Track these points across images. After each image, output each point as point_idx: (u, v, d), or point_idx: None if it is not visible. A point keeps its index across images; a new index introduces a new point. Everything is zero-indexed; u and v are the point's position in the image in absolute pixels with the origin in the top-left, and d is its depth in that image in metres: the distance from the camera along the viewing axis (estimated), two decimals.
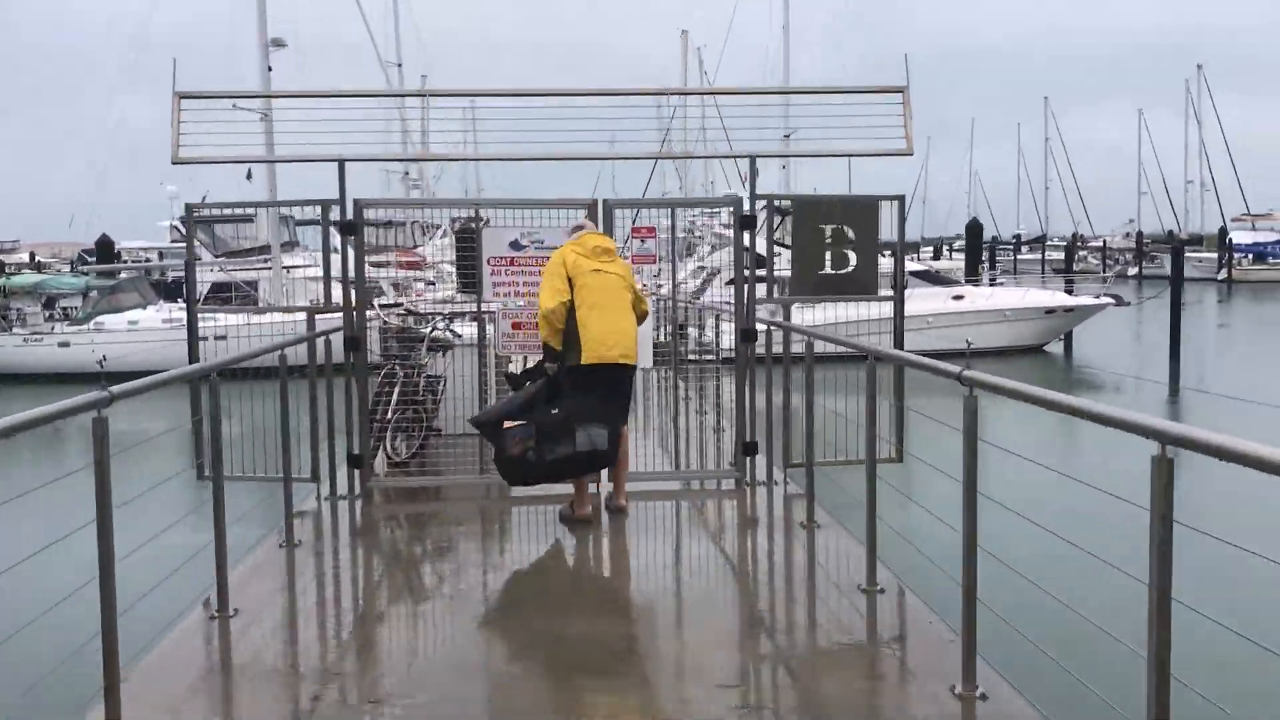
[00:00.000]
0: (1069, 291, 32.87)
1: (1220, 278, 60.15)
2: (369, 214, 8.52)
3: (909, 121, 8.02)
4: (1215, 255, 64.60)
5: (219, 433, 5.50)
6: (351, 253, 7.90)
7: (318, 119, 7.63)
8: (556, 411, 6.93)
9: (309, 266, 23.23)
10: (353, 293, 7.91)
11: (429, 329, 9.72)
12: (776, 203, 7.99)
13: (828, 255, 7.91)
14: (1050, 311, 29.68)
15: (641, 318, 7.43)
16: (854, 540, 6.52)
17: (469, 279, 8.28)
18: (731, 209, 7.94)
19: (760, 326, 8.10)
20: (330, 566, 6.59)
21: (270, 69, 26.87)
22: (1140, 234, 72.60)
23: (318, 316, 8.05)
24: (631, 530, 7.16)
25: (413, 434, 9.31)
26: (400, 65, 41.05)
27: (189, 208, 7.84)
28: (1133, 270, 64.34)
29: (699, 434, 9.27)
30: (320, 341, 7.95)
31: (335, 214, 7.78)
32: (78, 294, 29.50)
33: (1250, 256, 64.12)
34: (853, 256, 7.97)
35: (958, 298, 29.04)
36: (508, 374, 7.52)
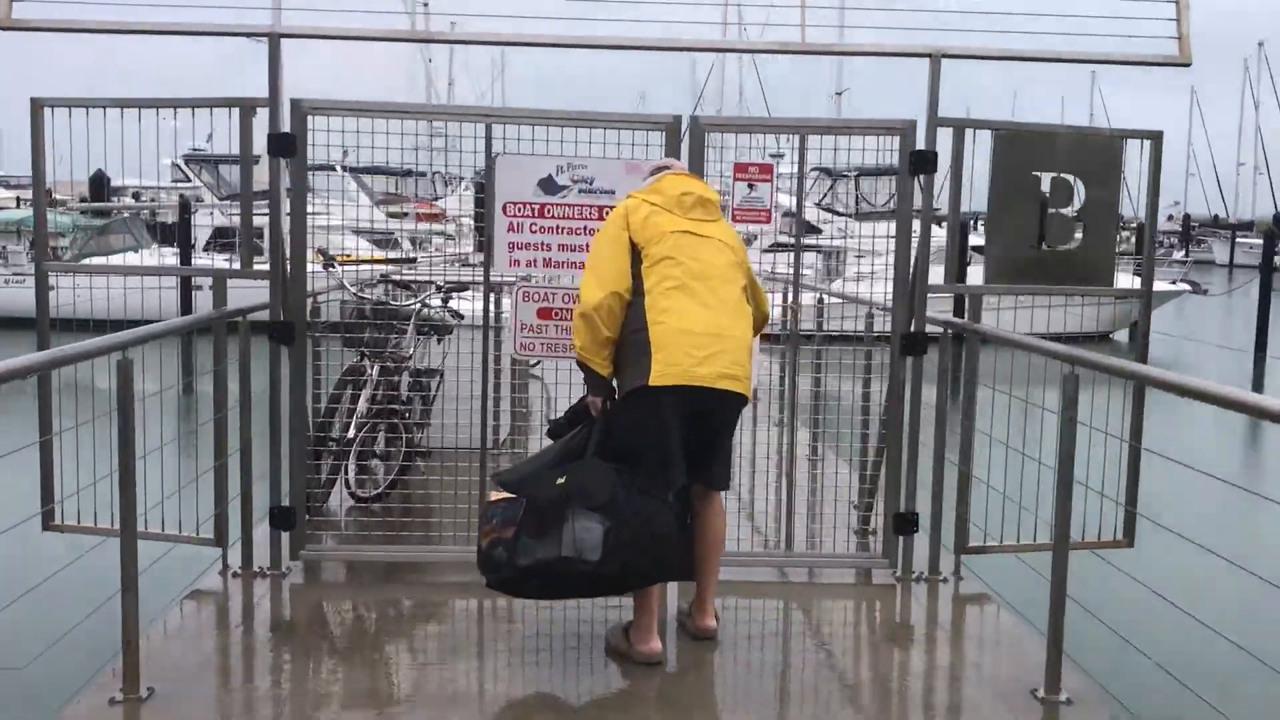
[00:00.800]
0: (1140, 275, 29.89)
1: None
2: (336, 146, 5.54)
3: (1184, 15, 5.00)
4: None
5: None
6: (287, 187, 4.97)
7: None
8: (563, 481, 3.97)
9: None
10: (287, 251, 4.98)
11: (417, 305, 6.77)
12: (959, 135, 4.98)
13: (1048, 220, 4.95)
14: (1122, 297, 26.73)
15: (760, 324, 4.42)
16: None
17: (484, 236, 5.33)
18: (900, 138, 4.92)
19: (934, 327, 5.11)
20: None
21: None
22: (1187, 217, 68.96)
23: (231, 283, 5.13)
24: (720, 680, 4.14)
25: (390, 457, 6.44)
26: (427, 3, 37.19)
27: (34, 101, 4.92)
28: (1178, 254, 61.17)
29: (810, 484, 6.19)
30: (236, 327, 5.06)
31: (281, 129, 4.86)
32: (67, 233, 27.18)
33: None
34: (1079, 224, 5.02)
35: None
36: (549, 425, 4.51)
